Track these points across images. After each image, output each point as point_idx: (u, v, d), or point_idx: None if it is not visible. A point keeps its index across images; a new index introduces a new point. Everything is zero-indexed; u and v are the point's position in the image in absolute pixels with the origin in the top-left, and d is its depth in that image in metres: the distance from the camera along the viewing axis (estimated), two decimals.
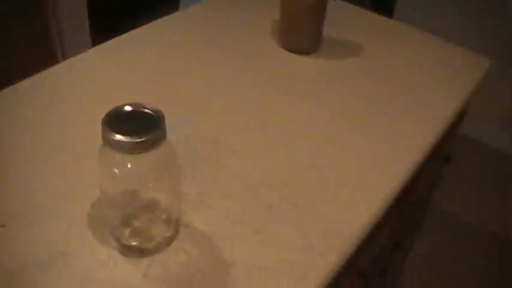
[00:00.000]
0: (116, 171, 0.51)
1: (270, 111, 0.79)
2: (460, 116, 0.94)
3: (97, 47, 0.91)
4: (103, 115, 0.49)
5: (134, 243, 0.57)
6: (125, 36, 0.94)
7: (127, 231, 0.57)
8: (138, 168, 0.51)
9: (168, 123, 0.50)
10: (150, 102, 0.51)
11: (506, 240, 1.77)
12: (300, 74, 0.89)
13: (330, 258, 0.58)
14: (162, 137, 0.49)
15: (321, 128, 0.77)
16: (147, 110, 0.50)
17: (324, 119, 0.79)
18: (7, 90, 0.78)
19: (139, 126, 0.48)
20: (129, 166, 0.50)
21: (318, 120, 0.78)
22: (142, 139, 0.47)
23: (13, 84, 0.78)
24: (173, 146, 0.53)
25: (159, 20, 1.00)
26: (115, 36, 0.93)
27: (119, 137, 0.47)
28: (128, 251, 0.56)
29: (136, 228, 0.58)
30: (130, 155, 0.49)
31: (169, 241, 0.57)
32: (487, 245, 1.74)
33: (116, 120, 0.49)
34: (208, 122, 0.76)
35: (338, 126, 0.78)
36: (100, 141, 0.49)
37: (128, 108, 0.51)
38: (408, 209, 0.94)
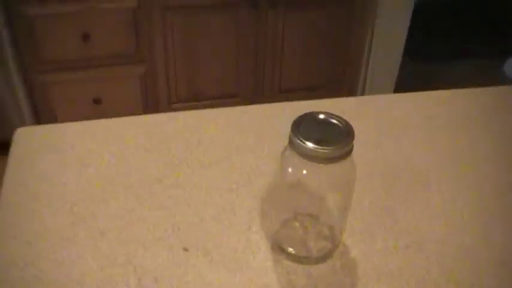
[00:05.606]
0: (292, 174, 0.50)
1: None
2: None
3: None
4: None
5: (289, 249, 0.55)
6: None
7: (284, 235, 0.56)
8: (315, 177, 0.50)
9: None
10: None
11: None
12: None
13: None
14: (348, 152, 0.47)
15: None
16: (338, 122, 0.49)
17: None
18: None
19: (328, 136, 0.47)
20: (304, 172, 0.49)
21: None
22: (329, 150, 0.45)
23: None
24: (355, 164, 0.50)
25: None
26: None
27: (304, 142, 0.46)
28: (279, 253, 0.55)
29: (293, 234, 0.57)
30: (310, 163, 0.47)
31: (323, 257, 0.55)
32: None
33: (305, 125, 0.47)
34: None
35: None
36: None
37: (320, 116, 0.49)
38: None
